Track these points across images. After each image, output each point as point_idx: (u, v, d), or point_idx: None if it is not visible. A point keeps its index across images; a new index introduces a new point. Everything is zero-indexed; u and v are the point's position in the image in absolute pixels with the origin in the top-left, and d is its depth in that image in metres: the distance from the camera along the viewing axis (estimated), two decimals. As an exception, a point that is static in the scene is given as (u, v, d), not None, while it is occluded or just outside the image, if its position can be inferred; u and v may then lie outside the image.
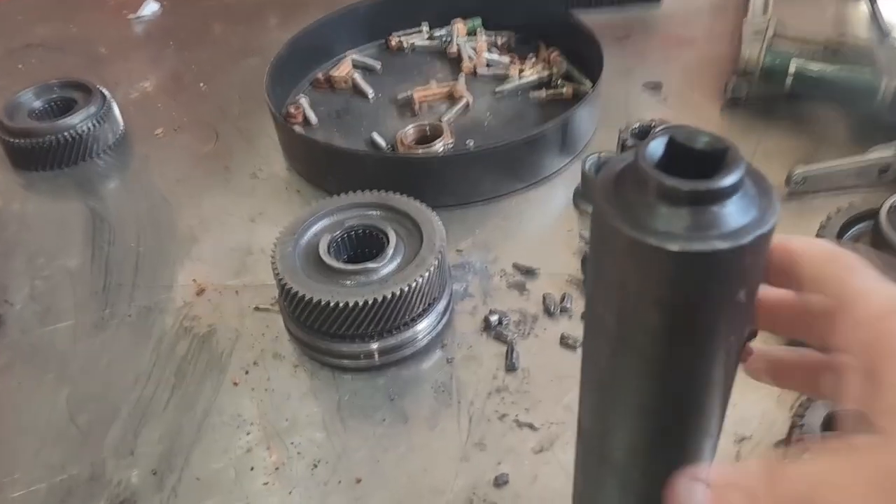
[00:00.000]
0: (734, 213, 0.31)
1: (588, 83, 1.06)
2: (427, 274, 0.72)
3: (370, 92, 1.12)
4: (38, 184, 1.05)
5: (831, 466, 0.30)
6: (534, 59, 1.13)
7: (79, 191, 1.03)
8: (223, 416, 0.72)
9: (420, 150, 0.96)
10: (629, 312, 0.34)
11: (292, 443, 0.69)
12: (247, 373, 0.76)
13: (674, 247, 0.30)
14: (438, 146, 0.96)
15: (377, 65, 1.17)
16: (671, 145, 0.33)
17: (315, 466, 0.67)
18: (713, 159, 0.32)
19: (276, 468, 0.67)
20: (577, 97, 1.05)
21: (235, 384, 0.75)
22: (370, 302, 0.69)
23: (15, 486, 0.68)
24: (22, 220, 0.99)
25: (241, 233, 0.93)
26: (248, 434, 0.70)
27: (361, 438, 0.69)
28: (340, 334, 0.73)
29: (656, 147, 0.33)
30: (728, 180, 0.31)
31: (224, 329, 0.81)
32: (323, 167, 0.98)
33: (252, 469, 0.67)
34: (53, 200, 1.02)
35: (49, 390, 0.77)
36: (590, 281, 0.38)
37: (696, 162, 0.32)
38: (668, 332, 0.34)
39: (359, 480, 0.66)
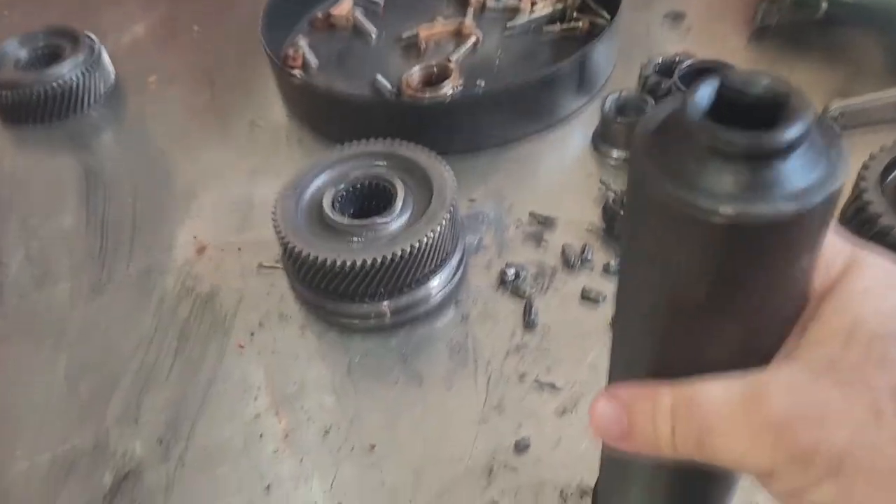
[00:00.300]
0: (800, 169, 0.26)
1: (605, 15, 0.99)
2: (439, 228, 0.67)
3: (373, 31, 1.05)
4: (29, 139, 1.00)
5: (728, 407, 0.30)
6: (546, -9, 1.06)
7: (71, 145, 0.98)
8: (229, 381, 0.69)
9: (427, 94, 0.90)
10: (671, 287, 0.30)
11: (302, 408, 0.66)
12: (252, 335, 0.72)
13: (729, 210, 0.25)
14: (446, 89, 0.90)
15: (380, 1, 1.10)
16: (722, 91, 0.28)
17: (326, 432, 0.64)
18: (773, 106, 0.27)
19: (286, 435, 0.64)
20: (594, 31, 0.98)
21: (241, 347, 0.72)
22: (379, 261, 0.65)
23: (18, 458, 0.66)
24: (13, 177, 0.95)
25: (241, 186, 0.89)
26: (255, 399, 0.67)
27: (374, 402, 0.66)
28: (349, 294, 0.69)
29: (705, 93, 0.28)
30: (795, 131, 0.26)
31: (227, 289, 0.77)
32: (325, 115, 0.92)
33: (261, 436, 0.64)
34: (45, 156, 0.98)
35: (48, 357, 0.73)
36: (624, 249, 0.33)
37: (751, 109, 0.27)
38: (716, 309, 0.29)
39: (373, 446, 0.63)
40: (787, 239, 0.27)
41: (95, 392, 0.70)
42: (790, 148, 0.26)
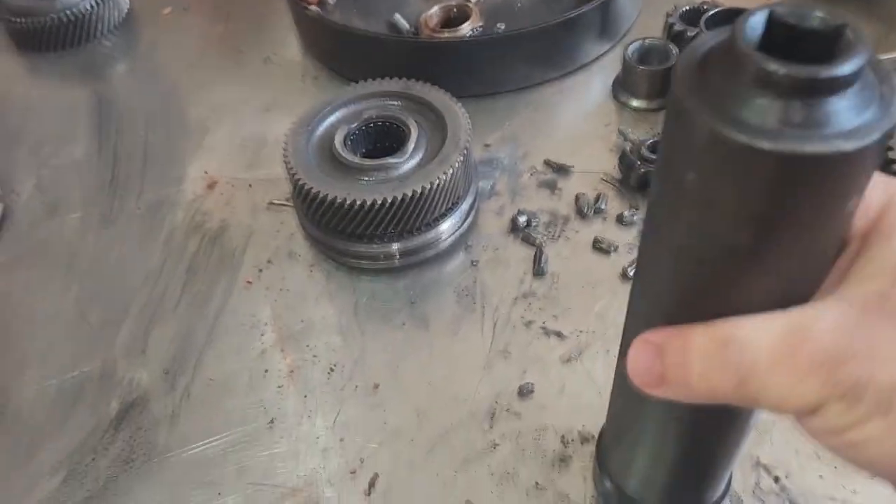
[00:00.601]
0: (854, 106, 0.25)
1: (633, -41, 0.95)
2: (451, 171, 0.66)
3: (392, -32, 1.02)
4: (42, 67, 0.99)
5: (772, 344, 0.28)
6: (573, -68, 1.02)
7: (84, 75, 0.97)
8: (236, 316, 0.69)
9: (445, 34, 0.88)
10: (710, 228, 0.28)
11: (307, 346, 0.66)
12: (260, 272, 0.72)
13: (781, 147, 0.24)
14: (465, 30, 0.88)
15: (400, -63, 1.07)
16: (772, 23, 0.27)
17: (331, 371, 0.64)
18: (824, 40, 0.26)
19: (291, 371, 0.65)
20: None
21: (249, 283, 0.71)
22: (389, 201, 0.64)
23: (27, 382, 0.67)
24: (26, 105, 0.94)
25: (254, 123, 0.87)
26: (262, 336, 0.67)
27: (380, 343, 0.66)
28: (358, 234, 0.68)
29: (756, 23, 0.26)
30: (853, 64, 0.24)
31: (237, 225, 0.77)
32: (340, 52, 0.91)
33: (266, 372, 0.65)
34: (58, 85, 0.97)
35: (58, 286, 0.74)
36: (657, 189, 0.32)
37: (800, 44, 0.26)
38: (757, 250, 0.28)
39: (376, 386, 0.63)
40: (838, 178, 0.26)
41: (104, 321, 0.70)
42: (847, 83, 0.25)
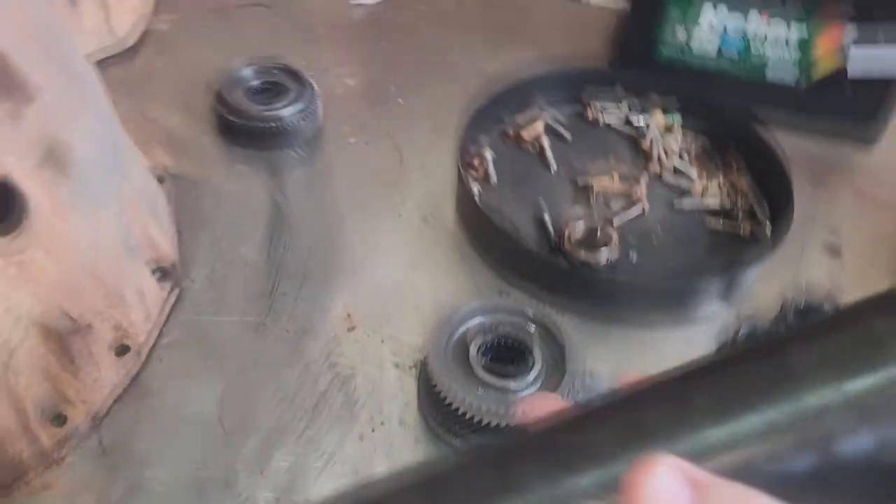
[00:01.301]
0: None
1: (767, 232, 1.05)
2: (560, 415, 0.77)
3: (553, 164, 1.14)
4: (238, 162, 1.14)
5: None
6: (720, 180, 1.13)
7: (269, 181, 1.12)
8: (345, 466, 0.80)
9: (583, 254, 0.99)
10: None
11: (396, 517, 0.77)
12: (373, 430, 0.84)
13: None
14: (602, 256, 0.99)
15: (568, 135, 1.19)
16: None
17: (410, 550, 0.75)
18: None
19: (377, 537, 0.75)
20: (754, 239, 1.05)
21: (361, 438, 0.83)
22: (502, 426, 0.75)
23: (159, 469, 0.79)
24: (220, 195, 1.09)
25: (400, 277, 1.00)
26: (361, 492, 0.78)
27: (456, 536, 0.76)
28: (461, 434, 0.79)
29: None
30: None
31: (363, 377, 0.88)
32: (485, 236, 1.02)
33: (357, 530, 0.76)
34: (247, 183, 1.12)
35: (206, 382, 0.87)
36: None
37: None
38: None
39: (444, 578, 0.73)
40: None
41: (236, 430, 0.83)
42: None
